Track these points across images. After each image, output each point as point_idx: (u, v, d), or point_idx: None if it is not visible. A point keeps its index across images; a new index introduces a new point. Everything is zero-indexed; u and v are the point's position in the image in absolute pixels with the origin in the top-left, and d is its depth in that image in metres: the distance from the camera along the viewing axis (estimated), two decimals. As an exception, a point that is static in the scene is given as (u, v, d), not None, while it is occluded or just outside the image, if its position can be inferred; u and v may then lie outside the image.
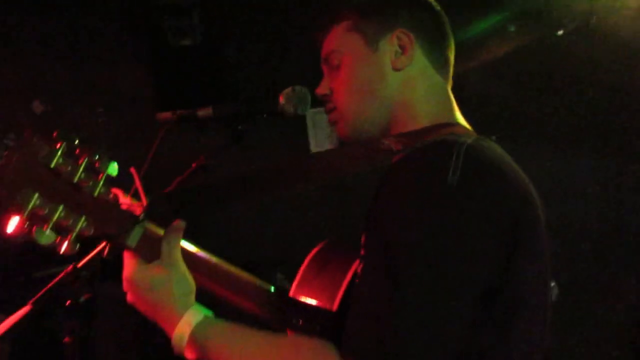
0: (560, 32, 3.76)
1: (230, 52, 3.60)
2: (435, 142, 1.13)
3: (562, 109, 3.78)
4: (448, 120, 1.28)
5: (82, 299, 1.62)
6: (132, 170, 1.19)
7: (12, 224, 1.03)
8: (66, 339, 1.59)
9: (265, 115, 1.47)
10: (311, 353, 1.05)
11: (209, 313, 1.20)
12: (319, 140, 3.67)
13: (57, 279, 1.53)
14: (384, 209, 1.06)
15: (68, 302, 1.60)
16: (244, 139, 1.48)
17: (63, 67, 4.13)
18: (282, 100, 1.44)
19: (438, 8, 1.36)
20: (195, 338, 1.13)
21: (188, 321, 1.14)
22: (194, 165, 1.47)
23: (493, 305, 1.03)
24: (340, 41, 1.33)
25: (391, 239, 1.01)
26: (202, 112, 1.47)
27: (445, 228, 1.00)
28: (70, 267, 1.57)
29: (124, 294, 1.24)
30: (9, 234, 1.03)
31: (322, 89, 1.37)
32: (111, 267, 1.34)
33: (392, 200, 1.06)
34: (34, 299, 1.51)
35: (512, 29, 3.77)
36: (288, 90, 1.45)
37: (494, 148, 1.16)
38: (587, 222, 3.71)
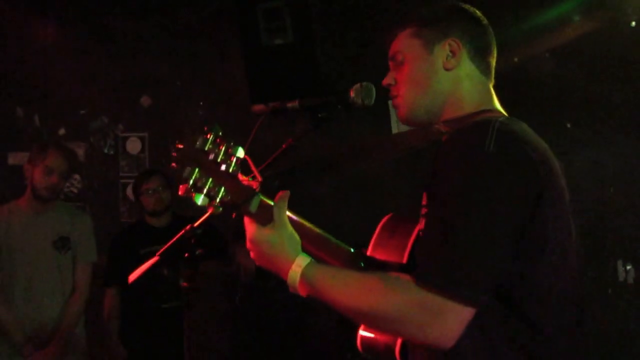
0: (634, 24, 3.83)
1: (317, 51, 3.85)
2: (475, 122, 1.44)
3: (634, 96, 3.85)
4: (486, 107, 1.56)
5: (197, 252, 2.03)
6: (247, 157, 1.49)
7: (182, 189, 1.39)
8: (184, 284, 2.00)
9: (339, 106, 1.77)
10: (393, 278, 1.37)
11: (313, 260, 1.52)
12: (401, 127, 3.97)
13: (178, 235, 1.90)
14: (438, 175, 1.35)
15: (186, 255, 2.01)
16: (323, 125, 1.80)
17: (166, 65, 4.53)
18: (352, 94, 1.72)
19: (485, 22, 1.63)
20: (305, 276, 1.44)
21: (299, 264, 1.45)
22: (284, 146, 1.77)
23: (523, 243, 1.29)
24: (405, 44, 1.60)
25: (446, 195, 1.31)
26: (290, 105, 1.80)
27: (485, 184, 1.28)
28: (188, 226, 1.97)
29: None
30: (180, 195, 1.40)
31: (387, 80, 1.64)
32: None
33: (445, 167, 1.35)
34: (160, 251, 1.90)
35: (577, 18, 3.88)
36: (357, 85, 1.72)
37: (522, 125, 1.44)
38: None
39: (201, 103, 4.47)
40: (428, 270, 1.28)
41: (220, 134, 1.42)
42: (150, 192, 3.71)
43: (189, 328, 1.91)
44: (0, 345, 3.39)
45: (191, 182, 1.37)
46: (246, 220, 1.53)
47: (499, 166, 1.29)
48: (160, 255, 1.89)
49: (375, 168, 3.70)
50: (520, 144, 1.33)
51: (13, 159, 4.67)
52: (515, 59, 3.99)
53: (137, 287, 3.48)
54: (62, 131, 4.72)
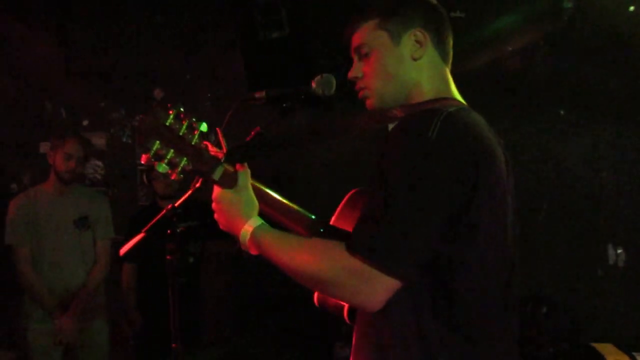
0: (632, 8, 3.85)
1: (311, 42, 4.05)
2: (423, 110, 1.47)
3: (630, 83, 3.91)
4: (444, 95, 1.60)
5: (179, 229, 2.23)
6: (218, 129, 1.66)
7: (143, 158, 1.53)
8: (168, 257, 2.20)
9: (302, 96, 1.86)
10: (330, 244, 1.44)
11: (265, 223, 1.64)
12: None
13: (161, 214, 2.09)
14: (384, 155, 1.41)
15: (169, 231, 2.21)
16: (288, 114, 1.94)
17: (176, 60, 4.83)
18: (313, 84, 1.81)
19: (440, 7, 1.68)
20: (254, 236, 1.56)
21: (251, 224, 1.57)
22: (252, 132, 1.82)
23: (456, 227, 1.36)
24: (370, 36, 1.62)
25: (387, 175, 1.37)
26: (258, 94, 1.90)
27: (423, 168, 1.35)
28: (170, 205, 2.17)
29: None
30: (142, 163, 1.53)
31: (353, 73, 1.68)
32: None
33: (390, 150, 1.41)
34: (145, 228, 2.08)
35: (569, 5, 3.91)
36: (318, 77, 1.80)
37: (472, 116, 1.49)
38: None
39: (209, 94, 4.72)
40: (360, 240, 1.37)
41: (182, 109, 1.56)
42: (160, 177, 3.97)
43: (176, 294, 2.13)
44: (34, 310, 3.82)
45: (152, 152, 1.51)
46: (214, 186, 1.67)
47: (439, 153, 1.35)
48: (145, 232, 2.09)
49: (342, 149, 3.85)
50: (462, 134, 1.39)
51: (44, 147, 5.05)
52: (509, 48, 4.00)
53: (151, 264, 3.79)
54: (85, 122, 5.09)
